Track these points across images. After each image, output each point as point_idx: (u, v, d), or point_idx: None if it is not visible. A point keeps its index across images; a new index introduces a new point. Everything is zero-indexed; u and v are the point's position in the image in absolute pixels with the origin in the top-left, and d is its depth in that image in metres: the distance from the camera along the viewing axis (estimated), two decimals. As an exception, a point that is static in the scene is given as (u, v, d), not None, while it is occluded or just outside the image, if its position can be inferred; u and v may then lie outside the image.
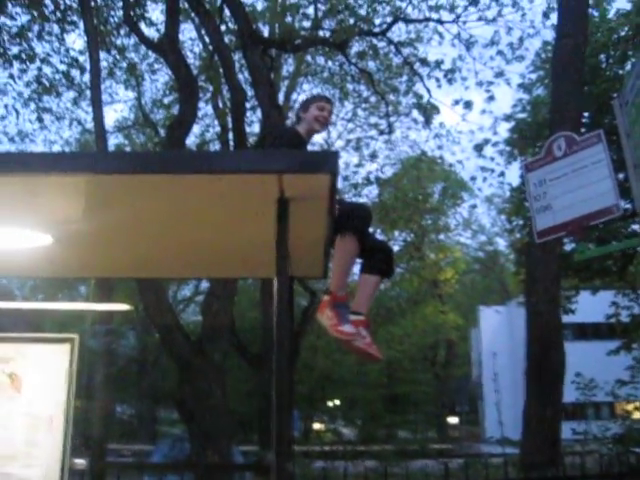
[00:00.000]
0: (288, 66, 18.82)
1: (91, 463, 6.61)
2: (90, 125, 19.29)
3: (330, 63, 15.84)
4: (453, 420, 43.57)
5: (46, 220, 2.91)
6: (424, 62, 14.03)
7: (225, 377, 10.00)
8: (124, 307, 5.93)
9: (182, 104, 10.27)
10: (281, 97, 17.74)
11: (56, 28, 12.57)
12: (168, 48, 10.17)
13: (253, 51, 10.16)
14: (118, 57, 14.00)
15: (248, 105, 13.16)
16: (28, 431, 3.77)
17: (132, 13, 11.30)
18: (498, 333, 36.67)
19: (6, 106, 14.95)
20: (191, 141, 16.99)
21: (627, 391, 9.42)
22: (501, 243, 38.05)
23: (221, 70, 11.74)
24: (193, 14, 12.02)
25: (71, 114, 16.35)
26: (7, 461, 3.75)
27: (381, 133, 16.63)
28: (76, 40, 15.41)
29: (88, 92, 12.52)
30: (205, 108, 17.04)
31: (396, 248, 34.29)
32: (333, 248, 3.63)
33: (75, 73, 13.88)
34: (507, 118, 17.62)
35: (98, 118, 8.83)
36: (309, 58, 16.74)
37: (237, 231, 3.01)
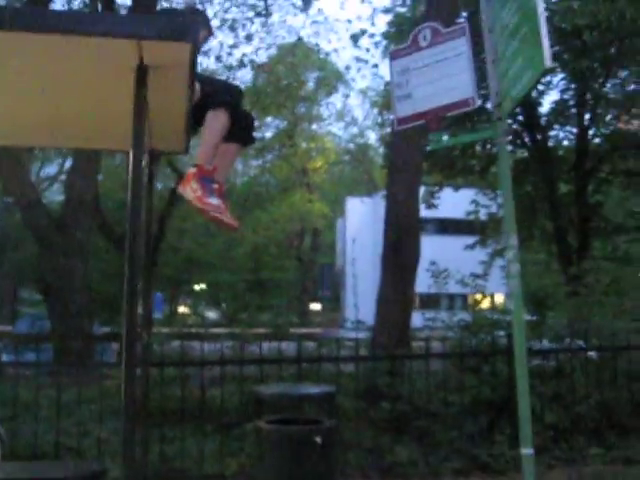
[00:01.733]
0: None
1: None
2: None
3: None
4: (316, 306, 45.23)
5: None
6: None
7: (88, 256, 9.81)
8: None
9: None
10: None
11: None
12: None
13: None
14: None
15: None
16: None
17: None
18: (363, 223, 37.72)
19: None
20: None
21: (479, 284, 10.05)
22: (372, 137, 38.60)
23: None
24: None
25: None
26: None
27: (258, 15, 16.17)
28: None
29: None
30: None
31: (268, 135, 34.20)
32: (200, 126, 3.59)
33: None
34: (386, 11, 17.52)
35: None
36: None
37: (96, 99, 2.91)
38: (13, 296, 33.14)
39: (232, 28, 16.36)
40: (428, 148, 3.91)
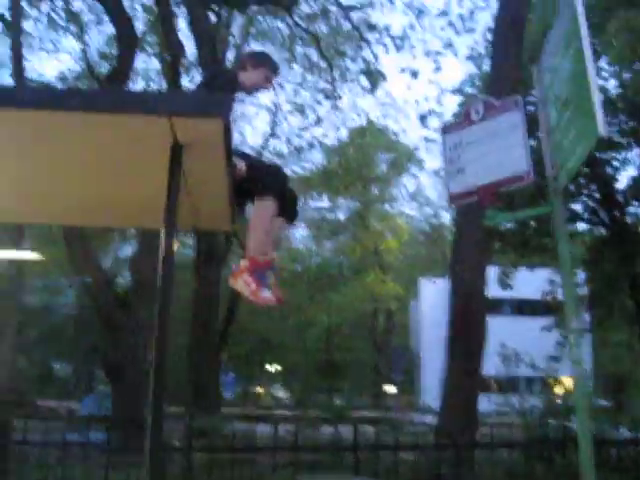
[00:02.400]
0: (239, 28, 18.43)
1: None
2: (32, 75, 18.73)
3: (279, 24, 15.56)
4: (391, 389, 44.22)
5: None
6: (372, 27, 13.87)
7: (150, 335, 9.81)
8: (33, 255, 5.64)
9: (120, 56, 9.95)
10: (230, 57, 17.39)
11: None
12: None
13: (196, 5, 9.87)
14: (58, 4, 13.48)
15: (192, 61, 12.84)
16: None
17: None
18: (436, 304, 37.08)
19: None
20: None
21: (552, 367, 9.54)
22: (446, 217, 38.31)
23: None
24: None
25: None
26: None
27: (327, 97, 16.47)
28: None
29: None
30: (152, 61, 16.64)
31: (341, 216, 34.42)
32: (239, 206, 3.54)
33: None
34: (455, 91, 17.58)
35: (17, 55, 8.42)
36: (260, 19, 16.43)
37: (133, 178, 2.89)
38: (90, 372, 33.74)
39: (301, 111, 16.72)
40: (485, 224, 3.74)
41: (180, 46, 10.42)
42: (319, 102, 16.79)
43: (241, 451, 6.08)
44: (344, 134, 19.04)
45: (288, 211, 3.62)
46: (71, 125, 2.41)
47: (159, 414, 2.37)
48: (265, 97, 19.83)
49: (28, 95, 2.42)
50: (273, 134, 19.57)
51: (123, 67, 9.76)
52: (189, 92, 3.23)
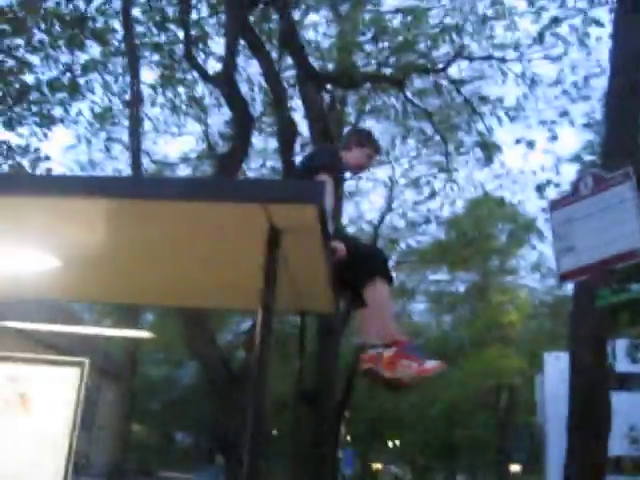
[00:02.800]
0: (354, 105, 18.93)
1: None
2: (158, 157, 19.86)
3: (392, 100, 15.80)
4: (515, 468, 42.18)
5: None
6: (484, 99, 13.85)
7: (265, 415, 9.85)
8: (145, 334, 5.87)
9: (235, 136, 10.39)
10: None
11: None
12: (224, 82, 10.32)
13: (308, 86, 10.22)
14: (180, 90, 14.31)
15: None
16: (34, 452, 3.78)
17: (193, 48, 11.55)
18: (562, 380, 35.36)
19: (78, 136, 15.59)
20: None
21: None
22: (570, 287, 36.81)
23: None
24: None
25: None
26: (11, 480, 3.76)
27: (441, 171, 16.46)
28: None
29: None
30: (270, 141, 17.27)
31: (461, 289, 33.79)
32: (349, 287, 3.53)
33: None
34: (574, 159, 17.14)
35: (135, 143, 8.95)
36: (373, 95, 16.78)
37: (229, 262, 2.96)
38: (207, 446, 34.17)
39: (416, 185, 16.77)
40: (596, 305, 3.55)
41: (293, 125, 10.75)
42: (434, 176, 16.85)
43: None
44: (460, 207, 18.95)
45: (386, 273, 3.57)
46: (168, 213, 2.52)
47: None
48: (381, 172, 20.09)
49: (132, 185, 2.55)
50: (390, 209, 19.71)
51: (240, 147, 10.16)
52: (284, 180, 3.29)
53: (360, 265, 3.33)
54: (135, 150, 8.91)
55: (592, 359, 7.53)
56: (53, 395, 3.85)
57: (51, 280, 3.29)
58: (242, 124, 10.25)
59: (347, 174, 3.95)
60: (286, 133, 10.45)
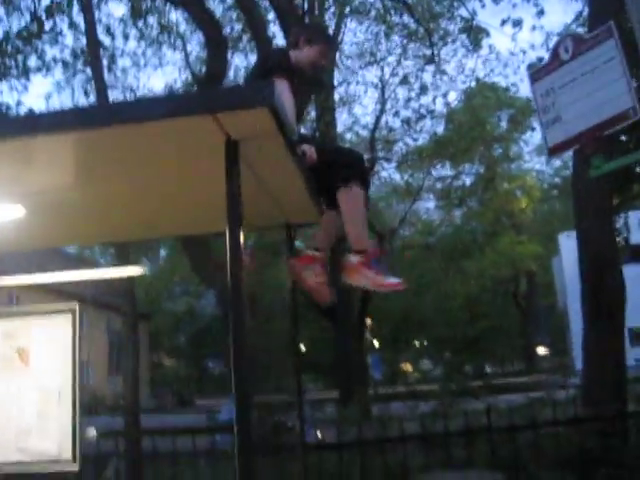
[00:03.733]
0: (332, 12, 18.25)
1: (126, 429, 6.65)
2: (144, 92, 19.44)
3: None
4: (542, 351, 42.87)
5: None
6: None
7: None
8: (136, 270, 5.77)
9: (210, 59, 10.01)
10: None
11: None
12: (193, 3, 9.87)
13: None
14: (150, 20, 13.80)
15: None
16: (39, 404, 3.74)
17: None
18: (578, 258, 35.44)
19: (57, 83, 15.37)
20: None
21: None
22: (577, 165, 36.39)
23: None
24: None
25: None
26: (23, 436, 3.74)
27: (427, 63, 15.96)
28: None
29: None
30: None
31: (468, 181, 33.46)
32: (322, 196, 3.37)
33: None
34: (563, 31, 16.54)
35: (97, 74, 8.58)
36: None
37: (192, 184, 2.81)
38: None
39: (405, 81, 16.29)
40: (590, 175, 3.34)
41: (268, 39, 10.34)
42: (422, 69, 16.35)
43: (345, 448, 5.94)
44: (454, 99, 18.52)
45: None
46: (121, 140, 2.36)
47: (246, 415, 2.26)
48: (370, 74, 19.57)
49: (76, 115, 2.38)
50: (383, 110, 19.28)
51: (217, 68, 9.79)
52: (230, 87, 3.09)
53: (335, 169, 3.14)
54: (99, 85, 8.57)
55: (599, 234, 7.39)
56: (49, 344, 3.79)
57: (18, 229, 3.16)
58: (216, 45, 9.85)
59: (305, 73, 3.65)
60: (263, 48, 10.03)
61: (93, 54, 8.73)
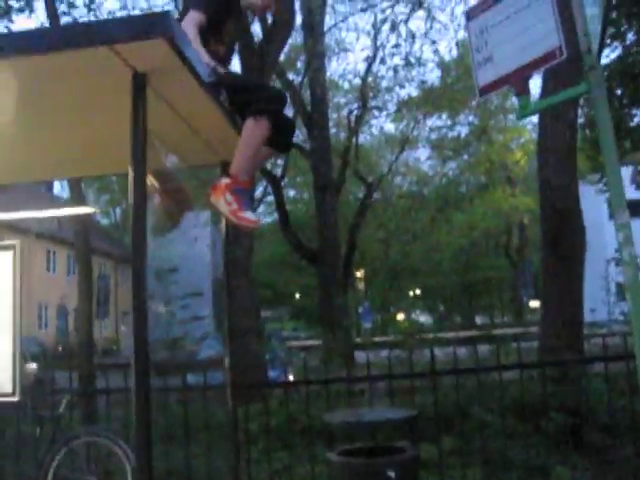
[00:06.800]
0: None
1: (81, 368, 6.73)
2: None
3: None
4: (534, 303, 43.10)
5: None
6: None
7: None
8: (88, 210, 5.73)
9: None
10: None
11: None
12: None
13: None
14: None
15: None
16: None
17: None
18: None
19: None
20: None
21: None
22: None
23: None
24: None
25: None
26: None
27: (414, 9, 15.68)
28: None
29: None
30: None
31: (464, 132, 33.14)
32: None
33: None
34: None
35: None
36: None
37: (98, 121, 2.78)
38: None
39: (393, 28, 16.03)
40: (517, 117, 3.29)
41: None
42: (408, 16, 16.05)
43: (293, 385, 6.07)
44: (445, 47, 18.28)
45: (282, 139, 3.33)
46: (18, 72, 2.32)
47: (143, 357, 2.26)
48: (362, 21, 19.20)
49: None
50: (374, 58, 19.02)
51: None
52: (128, 16, 3.01)
53: (251, 96, 3.08)
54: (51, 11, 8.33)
55: (561, 187, 7.32)
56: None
57: None
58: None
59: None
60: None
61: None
